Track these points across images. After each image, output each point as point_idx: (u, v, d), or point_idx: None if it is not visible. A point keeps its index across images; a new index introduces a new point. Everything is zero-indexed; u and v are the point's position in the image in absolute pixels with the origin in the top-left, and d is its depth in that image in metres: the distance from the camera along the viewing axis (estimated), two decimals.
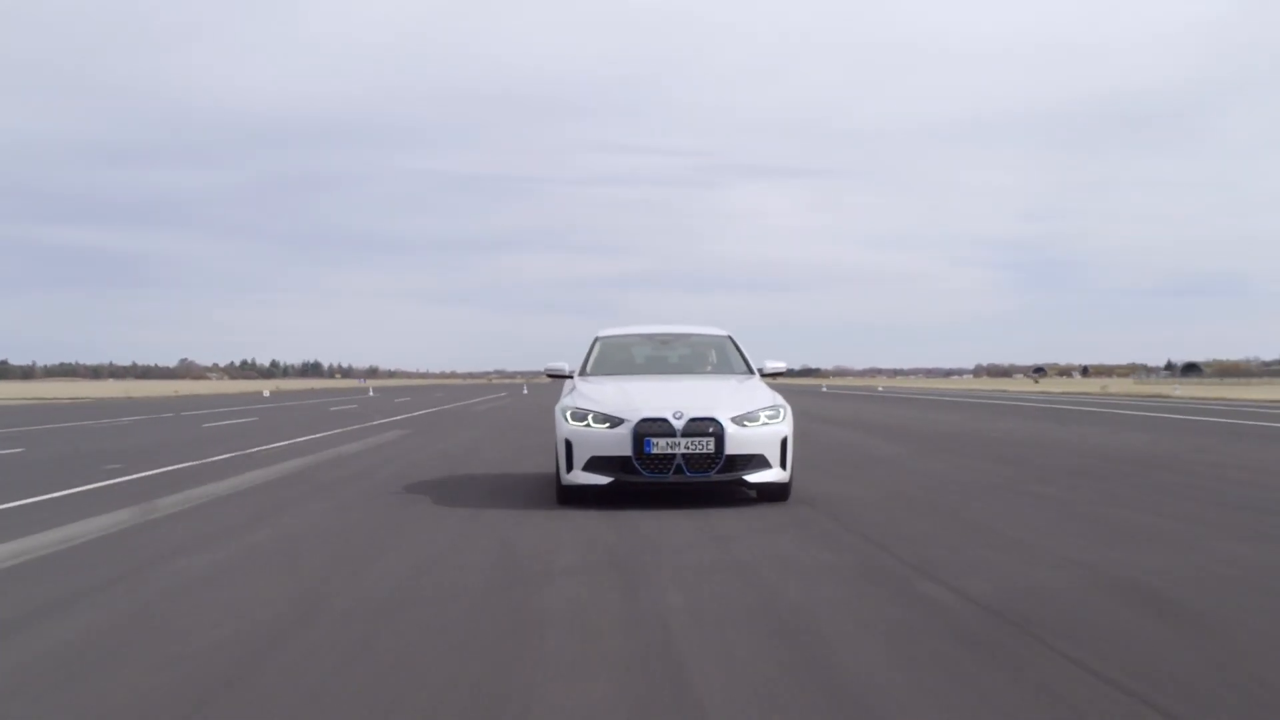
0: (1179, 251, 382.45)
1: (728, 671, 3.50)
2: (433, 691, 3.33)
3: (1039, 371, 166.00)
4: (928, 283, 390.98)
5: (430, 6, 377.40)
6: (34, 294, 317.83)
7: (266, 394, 56.82)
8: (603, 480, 7.43)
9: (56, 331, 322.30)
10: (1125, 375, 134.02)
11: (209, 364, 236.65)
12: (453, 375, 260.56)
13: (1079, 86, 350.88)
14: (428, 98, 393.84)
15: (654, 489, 7.75)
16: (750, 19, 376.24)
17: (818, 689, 3.32)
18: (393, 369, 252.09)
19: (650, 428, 7.34)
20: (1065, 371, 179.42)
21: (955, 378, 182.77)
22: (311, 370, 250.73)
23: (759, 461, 7.52)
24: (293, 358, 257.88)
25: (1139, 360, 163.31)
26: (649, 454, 7.34)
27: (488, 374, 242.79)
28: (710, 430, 7.35)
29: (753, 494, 7.95)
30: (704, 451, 7.35)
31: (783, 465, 7.63)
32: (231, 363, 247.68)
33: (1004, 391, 57.95)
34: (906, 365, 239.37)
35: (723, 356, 9.32)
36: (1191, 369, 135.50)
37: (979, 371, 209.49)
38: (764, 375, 8.89)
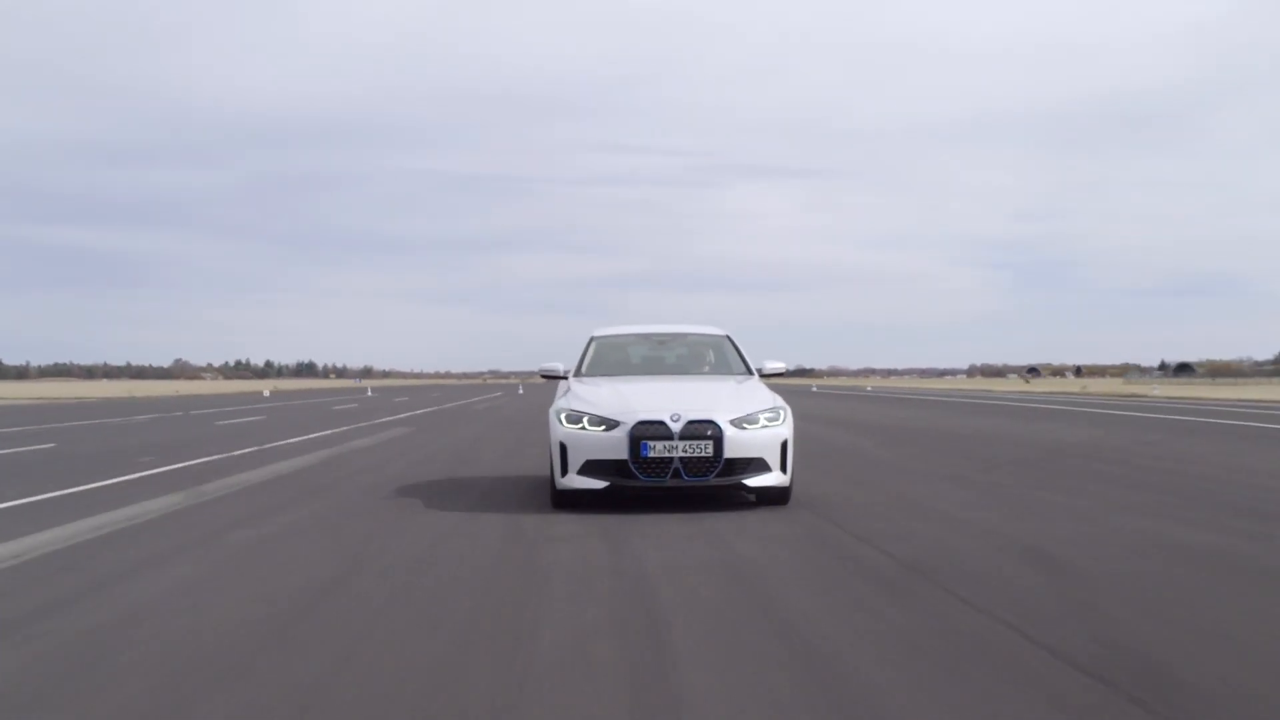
0: (1176, 252, 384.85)
1: (690, 605, 4.57)
2: (462, 618, 4.39)
3: (1032, 372, 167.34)
4: (925, 283, 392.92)
5: (429, 6, 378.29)
6: (28, 293, 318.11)
7: (266, 394, 57.78)
8: (598, 484, 7.31)
9: (51, 331, 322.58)
10: (1119, 375, 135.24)
11: (203, 364, 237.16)
12: (447, 375, 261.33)
13: (1077, 87, 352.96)
14: (426, 98, 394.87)
15: (651, 493, 7.66)
16: (749, 19, 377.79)
17: (759, 615, 4.39)
18: (387, 369, 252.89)
19: (647, 430, 7.21)
20: (1059, 372, 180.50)
21: (949, 378, 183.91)
22: (306, 370, 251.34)
23: (758, 465, 7.36)
24: (287, 358, 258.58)
25: (1134, 360, 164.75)
26: (646, 457, 7.20)
27: (482, 374, 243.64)
28: (708, 433, 7.20)
29: (752, 498, 7.78)
30: (702, 455, 7.21)
31: (783, 469, 7.47)
32: (226, 363, 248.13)
33: (989, 391, 59.15)
34: (902, 365, 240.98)
35: (721, 357, 9.18)
36: (1184, 369, 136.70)
37: (972, 372, 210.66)
38: (763, 376, 8.77)
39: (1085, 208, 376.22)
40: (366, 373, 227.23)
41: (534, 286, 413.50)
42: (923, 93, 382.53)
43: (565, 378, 8.68)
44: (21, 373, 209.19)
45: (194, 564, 5.71)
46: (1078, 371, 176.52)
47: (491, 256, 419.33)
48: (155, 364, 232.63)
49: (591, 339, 9.30)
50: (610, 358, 9.06)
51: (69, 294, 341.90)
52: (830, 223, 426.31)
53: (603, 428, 7.32)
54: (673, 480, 7.23)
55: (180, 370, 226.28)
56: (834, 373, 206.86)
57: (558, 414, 7.56)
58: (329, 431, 19.07)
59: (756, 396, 7.79)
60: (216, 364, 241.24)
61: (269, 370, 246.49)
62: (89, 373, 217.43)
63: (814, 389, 66.84)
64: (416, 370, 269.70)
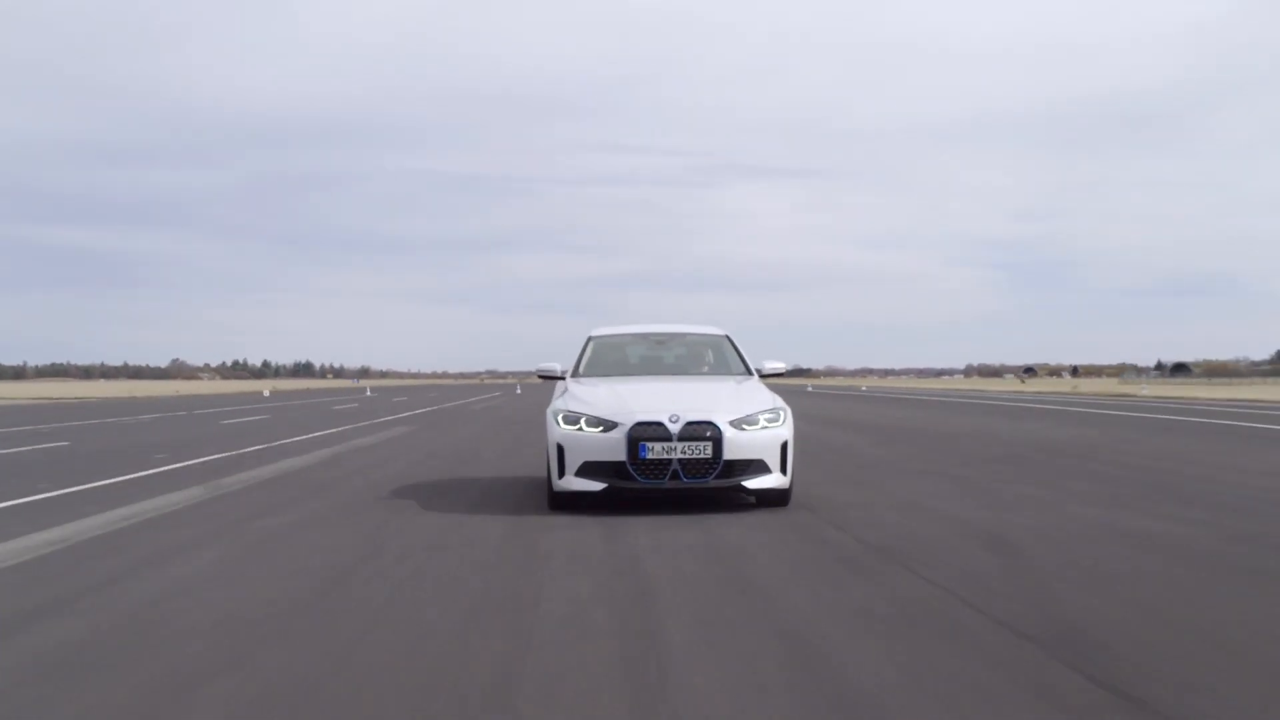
0: (1175, 252, 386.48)
1: (675, 579, 5.13)
2: (476, 588, 4.95)
3: (1029, 372, 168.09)
4: (924, 283, 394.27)
5: (428, 7, 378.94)
6: (26, 293, 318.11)
7: (266, 394, 58.27)
8: (596, 486, 7.25)
9: (47, 331, 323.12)
10: (1115, 375, 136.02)
11: (200, 364, 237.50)
12: (444, 375, 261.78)
13: (1076, 87, 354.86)
14: (425, 98, 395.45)
15: (649, 495, 7.56)
16: (749, 19, 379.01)
17: (735, 586, 4.94)
18: (384, 369, 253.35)
19: (645, 431, 7.14)
20: (1056, 372, 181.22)
21: (946, 378, 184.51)
22: (303, 370, 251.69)
23: (758, 466, 7.30)
24: (284, 358, 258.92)
25: (1132, 360, 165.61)
26: (644, 459, 7.14)
27: (479, 374, 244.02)
28: (708, 434, 7.14)
29: (751, 500, 7.72)
30: (701, 456, 7.15)
31: (783, 470, 7.41)
32: (223, 363, 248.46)
33: (982, 391, 59.76)
34: (900, 365, 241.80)
35: (720, 357, 9.09)
36: (1180, 369, 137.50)
37: (970, 372, 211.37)
38: (763, 376, 8.68)
39: (1084, 208, 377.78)
40: (364, 373, 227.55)
41: (532, 286, 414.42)
42: (922, 93, 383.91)
43: (562, 378, 8.61)
44: (19, 373, 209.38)
45: (226, 547, 6.26)
46: (1074, 371, 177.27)
47: (490, 256, 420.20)
48: (152, 364, 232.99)
49: (589, 339, 9.22)
50: (608, 358, 8.99)
51: (66, 294, 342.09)
52: (829, 223, 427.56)
53: (600, 429, 7.25)
54: (671, 482, 7.17)
55: (177, 370, 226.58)
56: (831, 373, 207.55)
57: (555, 415, 7.50)
58: (332, 430, 19.61)
59: (756, 397, 7.73)
60: (214, 364, 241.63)
61: (266, 370, 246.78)
62: (86, 373, 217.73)
63: (809, 389, 67.40)
64: (414, 370, 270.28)
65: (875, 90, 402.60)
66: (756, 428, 7.34)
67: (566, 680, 3.47)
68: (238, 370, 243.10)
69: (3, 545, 6.30)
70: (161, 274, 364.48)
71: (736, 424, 7.27)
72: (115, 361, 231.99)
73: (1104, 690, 3.31)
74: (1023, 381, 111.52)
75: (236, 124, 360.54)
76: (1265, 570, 5.29)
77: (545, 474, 7.83)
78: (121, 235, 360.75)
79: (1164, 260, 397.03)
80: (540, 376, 8.87)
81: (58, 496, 8.89)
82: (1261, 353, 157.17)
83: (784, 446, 7.42)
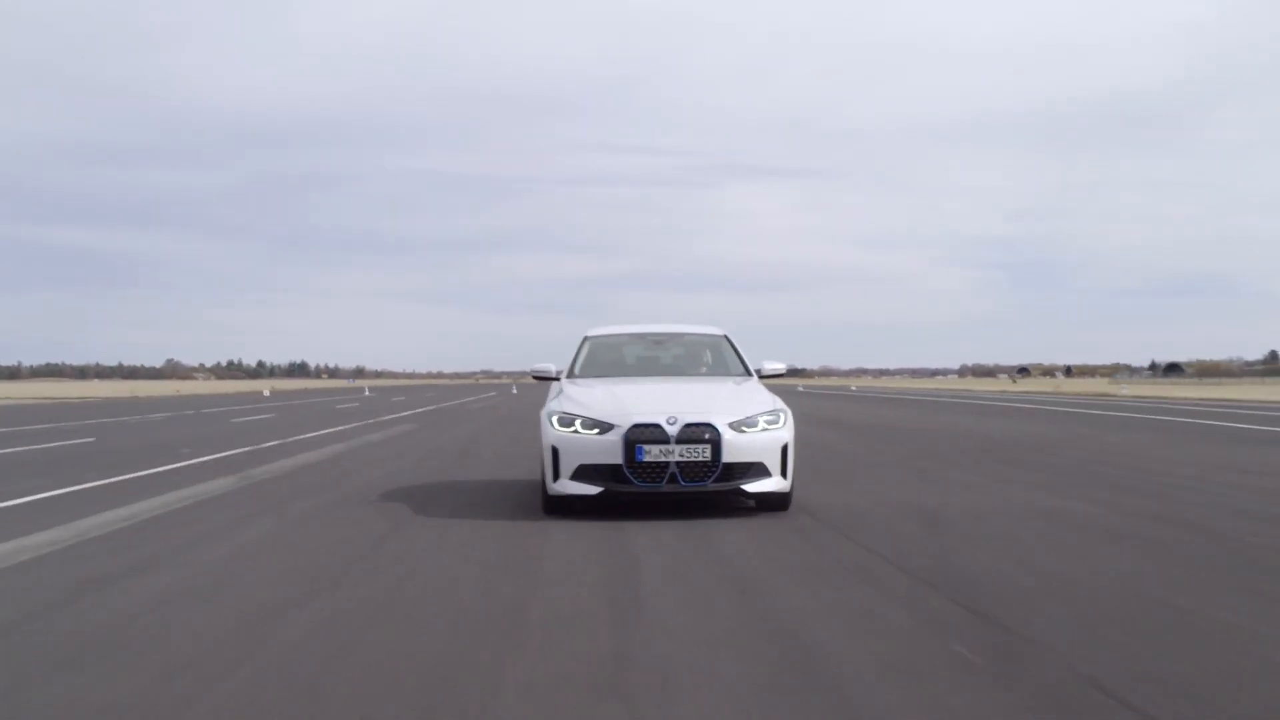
0: (1171, 252, 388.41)
1: (654, 546, 6.21)
2: (490, 551, 6.03)
3: (1022, 372, 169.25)
4: (920, 283, 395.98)
5: (424, 7, 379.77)
6: (21, 293, 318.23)
7: (266, 393, 59.26)
8: (592, 490, 7.12)
9: (41, 331, 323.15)
10: (1109, 375, 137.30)
11: (195, 364, 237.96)
12: (439, 375, 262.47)
13: (1072, 87, 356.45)
14: (422, 97, 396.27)
15: (646, 499, 7.42)
16: (744, 19, 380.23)
17: (703, 548, 6.03)
18: (380, 369, 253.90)
19: (642, 434, 7.01)
20: (1050, 372, 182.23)
21: (939, 378, 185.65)
22: (299, 370, 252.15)
23: (758, 470, 7.18)
24: (279, 358, 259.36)
25: (1126, 360, 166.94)
26: (641, 462, 7.01)
27: (474, 374, 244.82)
28: (706, 436, 7.02)
29: (751, 503, 7.63)
30: (700, 459, 7.02)
31: (783, 473, 7.30)
32: (218, 363, 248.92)
33: (970, 391, 61.00)
34: (896, 365, 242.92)
35: (719, 357, 8.94)
36: (1174, 369, 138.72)
37: (964, 372, 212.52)
38: (762, 377, 8.55)
39: (1081, 208, 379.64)
40: (359, 372, 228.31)
41: (528, 286, 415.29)
42: (919, 93, 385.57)
43: (558, 379, 8.52)
44: (14, 373, 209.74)
45: (273, 523, 7.34)
46: (1068, 371, 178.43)
47: (486, 256, 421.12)
48: (147, 364, 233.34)
49: (585, 339, 9.10)
50: (604, 358, 8.88)
51: (61, 293, 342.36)
52: (826, 223, 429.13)
53: (596, 431, 7.15)
54: (669, 485, 7.06)
55: (172, 370, 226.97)
56: (827, 372, 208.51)
57: (549, 416, 7.40)
58: (339, 428, 20.67)
59: (756, 398, 7.63)
60: (209, 364, 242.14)
61: (261, 370, 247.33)
62: (81, 373, 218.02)
63: (800, 389, 68.54)
64: (409, 370, 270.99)
65: (872, 90, 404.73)
66: (756, 430, 7.22)
67: (567, 590, 4.56)
68: (233, 370, 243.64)
69: (85, 520, 7.36)
70: (156, 274, 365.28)
71: (736, 426, 7.15)
72: (110, 361, 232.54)
73: (967, 612, 4.41)
74: (1014, 381, 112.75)
75: (233, 124, 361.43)
76: (1139, 536, 6.40)
77: (537, 465, 7.88)
78: (116, 235, 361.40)
79: (1160, 260, 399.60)
80: (535, 377, 8.71)
81: (108, 484, 9.94)
82: (1257, 353, 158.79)
83: (784, 449, 7.31)
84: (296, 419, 25.08)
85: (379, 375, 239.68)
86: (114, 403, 43.36)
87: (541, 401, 8.39)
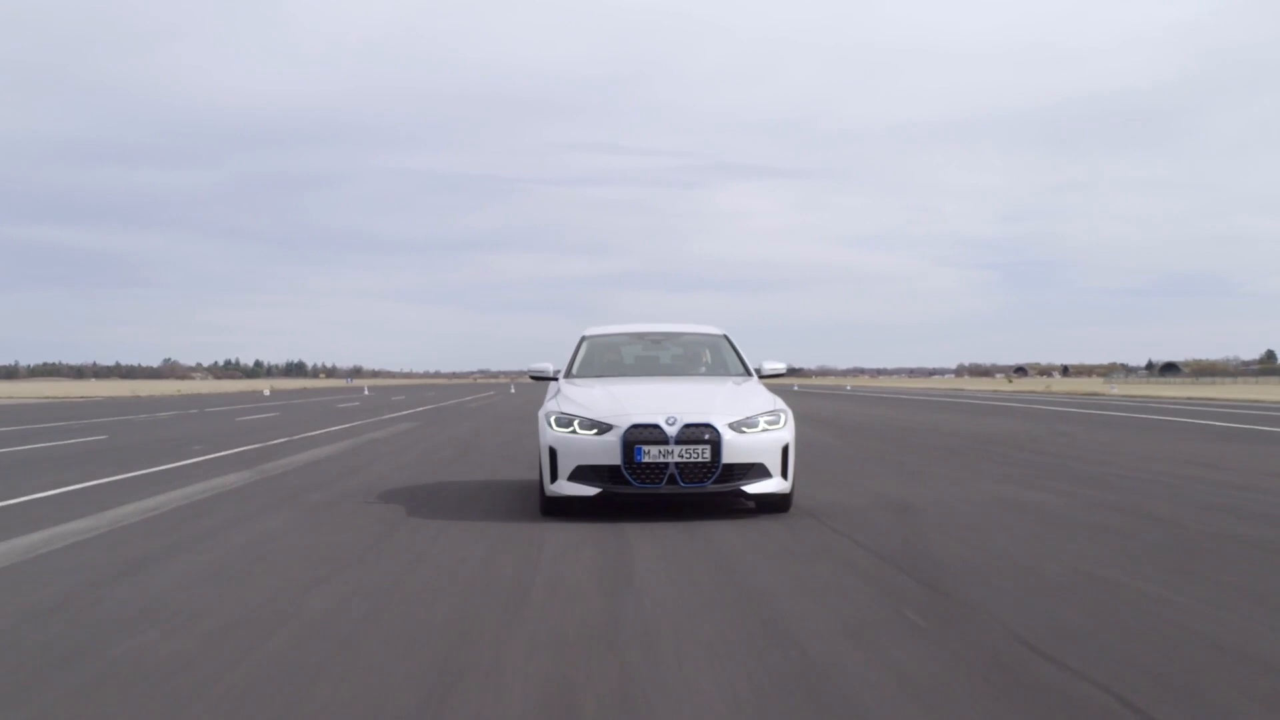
0: (1166, 251, 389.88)
1: (644, 530, 6.78)
2: (496, 534, 6.58)
3: (1019, 372, 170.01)
4: (915, 283, 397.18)
5: (415, 7, 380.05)
6: (16, 293, 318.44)
7: (266, 393, 59.77)
8: (590, 491, 7.07)
9: (38, 331, 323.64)
10: (1105, 375, 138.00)
11: (193, 364, 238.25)
12: (437, 375, 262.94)
13: (1064, 87, 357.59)
14: (415, 97, 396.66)
15: (645, 500, 7.39)
16: (736, 19, 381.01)
17: (690, 533, 6.59)
18: (376, 369, 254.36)
19: (641, 434, 6.97)
20: (1047, 371, 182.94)
21: (937, 378, 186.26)
22: (296, 370, 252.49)
23: (758, 470, 7.13)
24: (276, 358, 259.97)
25: (1123, 360, 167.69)
26: (640, 463, 6.97)
27: (472, 374, 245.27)
28: (706, 437, 6.98)
29: (751, 505, 7.59)
30: (699, 460, 6.98)
31: (784, 474, 7.26)
32: (215, 363, 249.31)
33: (961, 390, 61.63)
34: (892, 365, 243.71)
35: (718, 357, 8.89)
36: (1170, 369, 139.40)
37: (961, 372, 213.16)
38: (762, 377, 8.51)
39: (1076, 208, 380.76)
40: (356, 372, 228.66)
41: (524, 286, 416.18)
42: (914, 93, 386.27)
43: (555, 379, 8.50)
44: (11, 372, 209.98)
45: (291, 512, 7.88)
46: (1065, 371, 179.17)
47: (481, 256, 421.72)
48: (144, 364, 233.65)
49: (583, 338, 9.07)
50: (602, 358, 8.86)
51: (57, 293, 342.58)
52: (820, 223, 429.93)
53: (594, 431, 7.11)
54: (668, 487, 7.02)
55: (170, 370, 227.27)
56: (823, 372, 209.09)
57: (547, 417, 7.38)
58: (344, 426, 21.21)
59: (756, 399, 7.59)
60: (206, 364, 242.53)
61: (259, 370, 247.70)
62: (78, 373, 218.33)
63: (795, 388, 69.11)
64: (406, 370, 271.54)
65: (867, 91, 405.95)
66: (756, 430, 7.19)
67: (565, 566, 5.12)
68: (230, 370, 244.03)
69: (116, 510, 7.91)
70: (152, 274, 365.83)
71: (736, 426, 7.12)
72: (107, 361, 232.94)
73: (921, 585, 4.97)
74: (1010, 381, 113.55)
75: (228, 123, 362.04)
76: (1091, 523, 6.96)
77: (536, 459, 7.88)
78: (112, 235, 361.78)
79: (1157, 260, 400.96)
80: (533, 377, 8.68)
81: (129, 478, 10.48)
82: (1254, 352, 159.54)
83: (785, 450, 7.28)
84: (300, 417, 25.61)
85: (376, 375, 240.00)
86: (117, 402, 43.86)
87: (538, 400, 8.25)
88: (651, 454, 7.00)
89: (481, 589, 5.01)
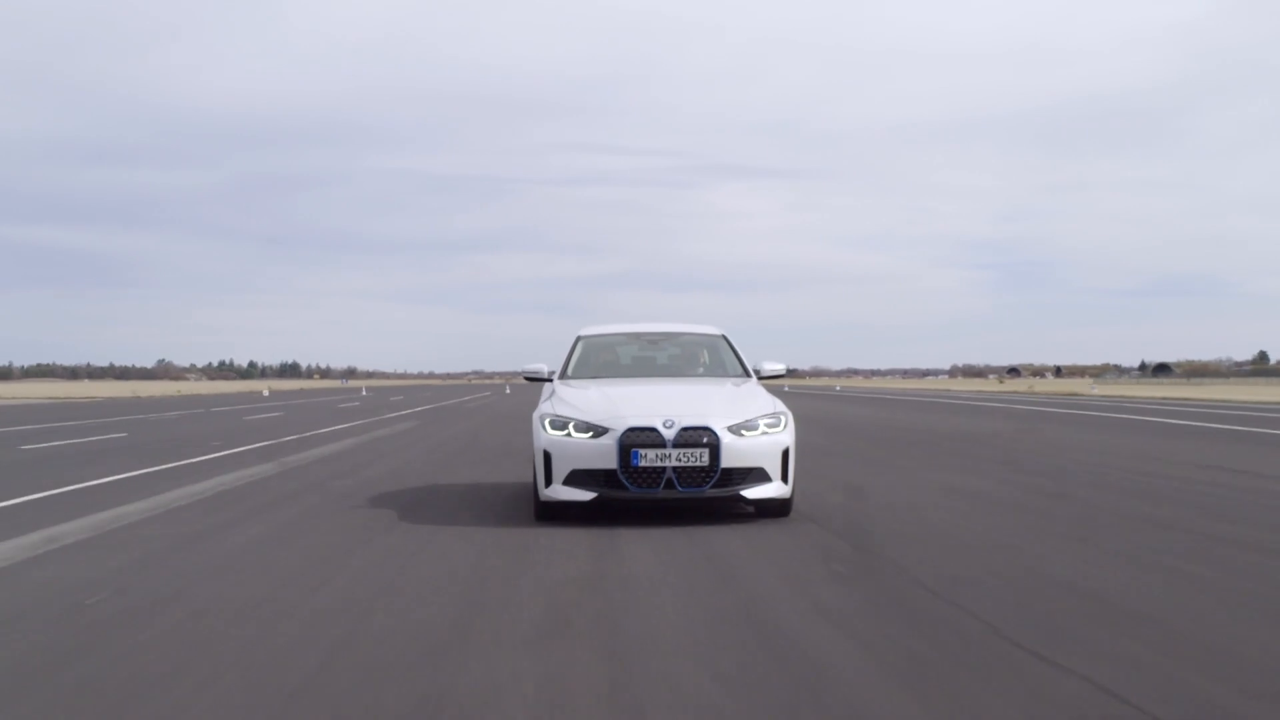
0: (1160, 252, 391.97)
1: (631, 515, 7.87)
2: (499, 517, 7.66)
3: (1013, 372, 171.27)
4: (910, 283, 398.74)
5: (409, 7, 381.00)
6: (9, 293, 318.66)
7: (266, 393, 60.73)
8: (585, 495, 6.95)
9: (32, 331, 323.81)
10: (1097, 375, 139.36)
11: (186, 364, 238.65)
12: (431, 376, 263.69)
13: (1058, 88, 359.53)
14: (408, 98, 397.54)
15: (642, 505, 7.24)
16: (730, 20, 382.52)
17: (669, 516, 7.68)
18: (371, 370, 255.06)
19: (638, 438, 6.85)
20: (1039, 372, 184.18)
21: (930, 378, 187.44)
22: (290, 371, 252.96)
23: (758, 475, 7.03)
24: (270, 358, 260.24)
25: (1116, 361, 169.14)
26: (636, 467, 6.84)
27: (466, 375, 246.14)
28: (704, 440, 6.86)
29: (750, 509, 7.44)
30: (697, 464, 6.86)
31: (784, 479, 7.16)
32: (209, 363, 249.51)
33: (948, 391, 62.88)
34: (886, 366, 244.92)
35: (716, 357, 8.77)
36: (1163, 370, 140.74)
37: (955, 372, 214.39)
38: (762, 378, 8.42)
39: (1070, 209, 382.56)
40: (351, 373, 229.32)
41: (518, 287, 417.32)
42: (906, 94, 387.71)
43: (550, 380, 8.37)
44: (5, 373, 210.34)
45: (322, 496, 8.95)
46: (1058, 372, 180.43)
47: (476, 257, 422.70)
48: (138, 364, 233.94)
49: (578, 339, 8.95)
50: (598, 359, 8.77)
51: (51, 294, 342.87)
52: (814, 223, 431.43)
53: (590, 434, 7.00)
54: (665, 491, 6.90)
55: (164, 371, 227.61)
56: (817, 373, 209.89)
57: (541, 419, 7.25)
58: (348, 424, 22.27)
59: (756, 401, 7.50)
60: (200, 364, 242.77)
61: (253, 371, 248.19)
62: (72, 373, 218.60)
63: (786, 389, 70.28)
64: (400, 371, 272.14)
65: (861, 91, 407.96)
66: (756, 433, 7.10)
67: (560, 533, 6.21)
68: (224, 370, 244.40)
69: (164, 495, 8.98)
70: (146, 274, 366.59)
71: (735, 429, 7.02)
72: (101, 362, 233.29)
73: (852, 547, 6.06)
74: (1001, 382, 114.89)
75: (222, 124, 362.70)
76: (1016, 503, 8.07)
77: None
78: (106, 235, 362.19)
79: (1151, 261, 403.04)
80: (526, 378, 8.62)
81: (164, 469, 11.54)
82: (1247, 353, 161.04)
83: (785, 453, 7.19)
84: (305, 417, 26.66)
85: (370, 376, 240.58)
86: (120, 402, 44.82)
87: (534, 400, 8.33)
88: (648, 458, 6.87)
89: (493, 548, 6.10)
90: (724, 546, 6.17)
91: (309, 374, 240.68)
